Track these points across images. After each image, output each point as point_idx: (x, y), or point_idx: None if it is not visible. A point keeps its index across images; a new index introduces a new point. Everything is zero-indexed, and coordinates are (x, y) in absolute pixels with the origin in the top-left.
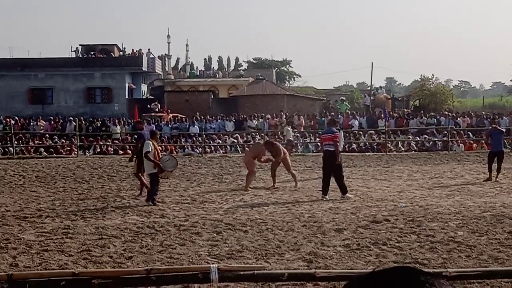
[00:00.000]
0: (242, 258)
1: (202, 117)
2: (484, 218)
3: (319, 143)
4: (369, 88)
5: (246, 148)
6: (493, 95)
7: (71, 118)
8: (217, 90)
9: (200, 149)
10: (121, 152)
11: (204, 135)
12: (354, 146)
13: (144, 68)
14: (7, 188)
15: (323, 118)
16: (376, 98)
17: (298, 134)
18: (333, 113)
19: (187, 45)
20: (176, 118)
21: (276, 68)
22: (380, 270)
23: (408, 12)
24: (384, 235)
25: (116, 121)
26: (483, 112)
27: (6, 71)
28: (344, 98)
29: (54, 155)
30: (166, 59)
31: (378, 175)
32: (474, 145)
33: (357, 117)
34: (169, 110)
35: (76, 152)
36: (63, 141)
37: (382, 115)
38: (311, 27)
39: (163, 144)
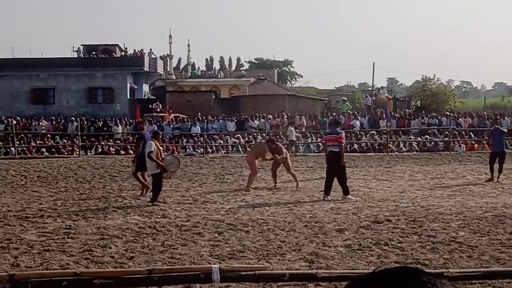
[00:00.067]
0: (243, 258)
1: (204, 117)
2: (485, 219)
3: (320, 144)
4: (370, 88)
5: (248, 148)
6: (494, 95)
7: (73, 118)
8: (219, 90)
9: (202, 149)
10: (122, 152)
11: (205, 135)
12: (356, 146)
13: (146, 68)
14: (9, 188)
15: (324, 119)
16: (377, 98)
17: (299, 135)
18: (334, 113)
19: (188, 45)
20: (178, 118)
21: (278, 68)
22: (382, 270)
23: (408, 12)
24: (386, 235)
25: (118, 121)
26: (485, 113)
27: (8, 71)
28: (346, 99)
29: (56, 155)
30: (168, 59)
31: (379, 175)
32: (476, 145)
33: (359, 118)
34: (170, 110)
35: (77, 152)
36: (65, 141)
37: (384, 116)
38: (311, 27)
39: (165, 144)
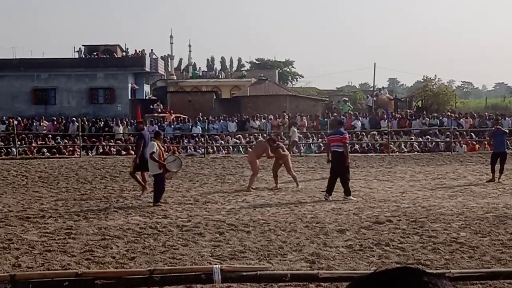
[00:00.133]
0: (244, 259)
1: (205, 118)
2: (486, 219)
3: (321, 144)
4: (371, 88)
5: (249, 149)
6: (496, 96)
7: (74, 118)
8: (220, 91)
9: (203, 150)
10: (123, 152)
11: (206, 136)
12: (357, 146)
13: (147, 69)
14: (10, 189)
15: (325, 119)
16: (378, 98)
17: (300, 135)
18: (335, 114)
19: (189, 46)
20: (179, 119)
21: (279, 69)
22: (383, 270)
23: (408, 12)
24: (387, 236)
25: (119, 121)
26: (486, 113)
27: (9, 72)
28: (347, 99)
29: (57, 155)
30: (169, 59)
31: (380, 175)
32: (477, 146)
33: (360, 118)
34: (171, 111)
35: (79, 153)
36: (66, 141)
37: (385, 116)
38: (312, 27)
39: (166, 144)
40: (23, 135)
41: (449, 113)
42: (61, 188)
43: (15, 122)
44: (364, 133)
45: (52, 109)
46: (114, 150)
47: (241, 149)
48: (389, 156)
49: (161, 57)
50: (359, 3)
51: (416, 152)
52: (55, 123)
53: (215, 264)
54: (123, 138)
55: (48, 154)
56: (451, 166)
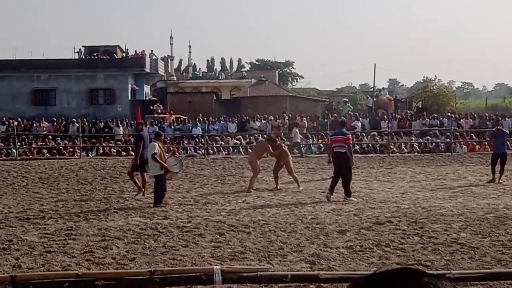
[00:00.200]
0: (245, 260)
1: (205, 119)
2: (487, 220)
3: (321, 145)
4: (371, 89)
5: (249, 150)
6: (496, 96)
7: (74, 119)
8: (220, 92)
9: (203, 151)
10: (124, 153)
11: (206, 137)
12: (357, 147)
13: (147, 70)
14: (10, 190)
15: (325, 120)
16: (378, 99)
17: (301, 136)
18: (335, 115)
19: (189, 47)
20: (179, 120)
21: (279, 70)
22: (383, 271)
23: (408, 12)
24: (387, 236)
25: (119, 122)
26: (486, 114)
27: (9, 72)
28: (347, 100)
29: (57, 156)
30: (169, 60)
31: (380, 176)
32: (477, 146)
33: (360, 119)
34: (171, 112)
35: (79, 154)
36: (66, 142)
37: (385, 117)
38: (312, 27)
39: (166, 145)
40: (23, 136)
41: (449, 114)
42: (61, 189)
43: (15, 123)
44: (364, 134)
45: (52, 110)
46: (114, 151)
47: (241, 150)
48: (389, 157)
49: (161, 58)
50: (359, 3)
51: (416, 153)
52: (55, 124)
53: (216, 265)
54: (123, 139)
55: (48, 155)
56: (451, 166)
